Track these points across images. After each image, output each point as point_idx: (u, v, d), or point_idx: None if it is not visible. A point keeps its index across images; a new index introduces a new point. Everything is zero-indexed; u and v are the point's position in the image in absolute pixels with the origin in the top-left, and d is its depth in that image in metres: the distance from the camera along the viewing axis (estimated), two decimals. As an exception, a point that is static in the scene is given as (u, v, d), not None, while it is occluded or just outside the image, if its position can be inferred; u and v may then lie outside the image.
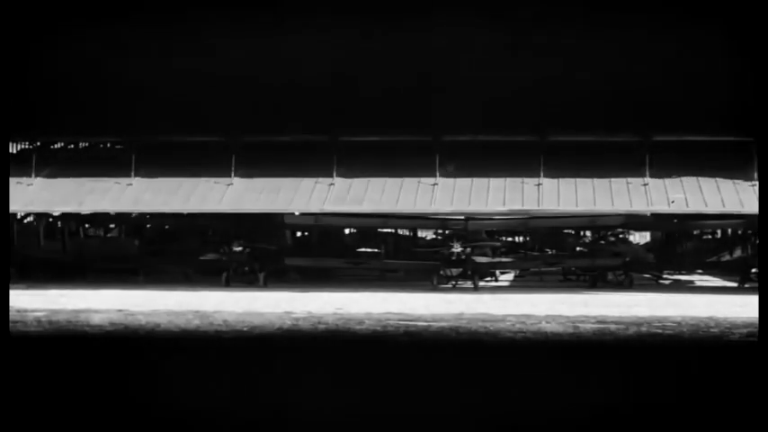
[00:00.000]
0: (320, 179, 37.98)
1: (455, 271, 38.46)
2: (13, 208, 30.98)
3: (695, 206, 36.40)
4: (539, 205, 36.51)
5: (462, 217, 40.65)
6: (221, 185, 38.43)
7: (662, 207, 36.65)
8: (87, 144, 46.31)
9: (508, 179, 37.47)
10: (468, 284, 38.11)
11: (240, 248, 40.21)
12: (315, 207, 37.82)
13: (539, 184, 36.95)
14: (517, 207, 36.83)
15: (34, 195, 38.46)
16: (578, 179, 37.31)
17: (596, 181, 37.18)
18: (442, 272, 38.47)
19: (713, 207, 36.12)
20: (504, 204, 36.83)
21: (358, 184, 38.01)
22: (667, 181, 36.59)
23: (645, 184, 36.57)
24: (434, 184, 37.48)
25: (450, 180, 37.55)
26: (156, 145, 39.46)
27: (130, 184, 38.72)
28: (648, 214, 39.31)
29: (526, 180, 37.19)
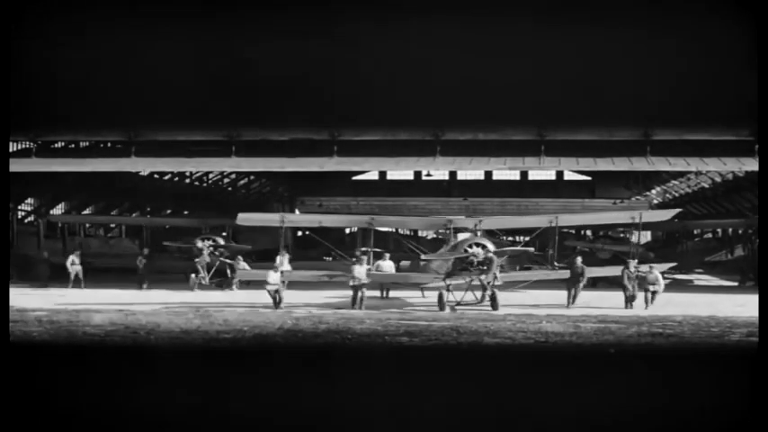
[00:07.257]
0: (319, 158, 38.00)
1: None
2: (12, 168, 30.45)
3: (696, 165, 37.18)
4: (540, 164, 36.54)
5: (462, 217, 40.60)
6: (219, 160, 38.61)
7: (662, 166, 37.07)
8: (87, 143, 46.50)
9: (509, 158, 37.57)
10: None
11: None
12: (315, 166, 37.64)
13: (540, 156, 37.01)
14: (518, 165, 36.84)
15: (33, 162, 38.46)
16: (581, 158, 37.56)
17: (599, 159, 37.42)
18: (442, 271, 38.31)
19: (714, 166, 36.85)
20: (505, 163, 36.88)
21: (357, 160, 38.14)
22: (671, 158, 36.84)
23: (647, 157, 36.82)
24: (434, 159, 37.52)
25: (450, 157, 37.55)
26: (157, 142, 39.48)
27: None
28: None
29: (527, 159, 37.22)
